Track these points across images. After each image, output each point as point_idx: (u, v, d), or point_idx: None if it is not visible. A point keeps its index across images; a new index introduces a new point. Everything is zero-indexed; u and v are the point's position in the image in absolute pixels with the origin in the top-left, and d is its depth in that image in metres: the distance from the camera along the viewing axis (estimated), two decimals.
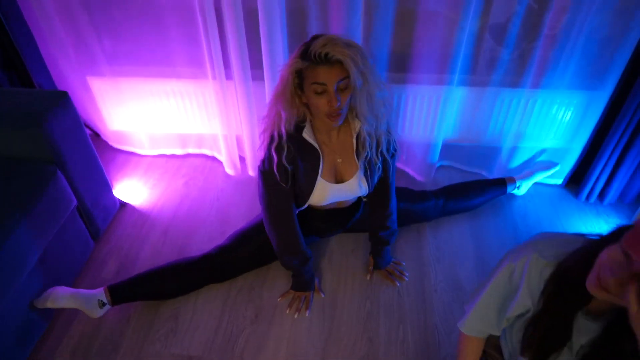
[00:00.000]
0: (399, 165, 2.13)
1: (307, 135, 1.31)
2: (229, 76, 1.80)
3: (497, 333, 1.05)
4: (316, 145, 1.32)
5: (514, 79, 1.77)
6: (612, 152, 1.75)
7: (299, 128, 1.30)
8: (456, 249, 1.77)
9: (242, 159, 2.15)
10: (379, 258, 1.63)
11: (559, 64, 1.67)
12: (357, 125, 1.32)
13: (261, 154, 1.36)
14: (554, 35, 1.62)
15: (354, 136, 1.34)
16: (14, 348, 1.33)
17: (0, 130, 1.44)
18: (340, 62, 1.12)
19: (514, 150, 1.96)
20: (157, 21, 1.77)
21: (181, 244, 1.79)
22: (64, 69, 1.95)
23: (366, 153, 1.34)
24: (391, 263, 1.67)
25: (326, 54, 1.11)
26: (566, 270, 0.85)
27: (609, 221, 1.88)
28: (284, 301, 1.58)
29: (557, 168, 1.93)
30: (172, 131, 2.14)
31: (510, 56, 1.71)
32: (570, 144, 1.92)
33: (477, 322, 1.05)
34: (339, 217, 1.63)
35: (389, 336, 1.49)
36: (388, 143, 1.38)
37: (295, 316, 1.53)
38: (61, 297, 1.40)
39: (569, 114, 1.84)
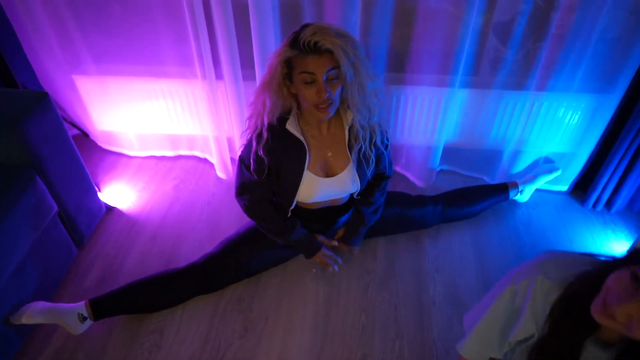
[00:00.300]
0: (398, 169, 2.05)
1: (291, 127, 1.26)
2: (219, 76, 1.73)
3: (498, 357, 0.99)
4: (301, 138, 1.27)
5: (519, 81, 1.69)
6: (621, 158, 1.67)
7: (283, 120, 1.25)
8: (456, 259, 1.69)
9: (233, 162, 2.07)
10: (354, 235, 1.55)
11: (567, 65, 1.59)
12: (349, 117, 1.27)
13: (244, 140, 1.33)
14: (561, 35, 1.53)
15: (347, 128, 1.30)
16: None
17: None
18: (330, 52, 1.09)
19: (517, 154, 1.88)
20: (144, 19, 1.70)
21: (169, 251, 1.72)
22: (49, 67, 1.88)
23: (359, 145, 1.30)
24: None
25: (315, 43, 1.07)
26: (573, 293, 0.78)
27: (617, 231, 1.80)
28: (274, 311, 1.51)
29: (558, 172, 1.86)
30: (162, 132, 2.07)
31: (514, 57, 1.63)
32: (576, 149, 1.84)
33: (477, 346, 1.00)
34: (332, 216, 1.55)
35: (384, 352, 1.41)
36: (382, 134, 1.34)
37: (331, 270, 1.53)
38: (38, 312, 1.33)
39: (576, 117, 1.75)
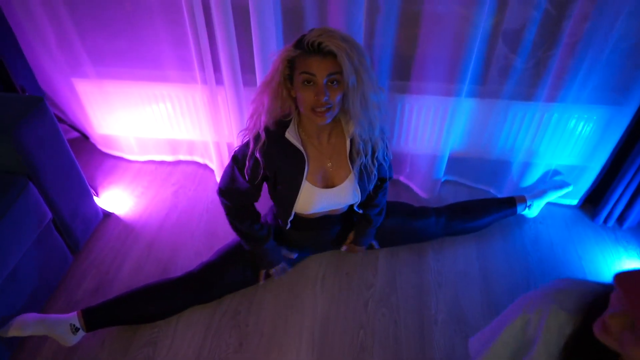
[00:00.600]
0: (401, 179, 2.00)
1: (290, 136, 1.22)
2: (219, 81, 1.69)
3: None
4: (300, 147, 1.23)
5: (528, 91, 1.63)
6: (636, 172, 1.60)
7: (283, 127, 1.22)
8: (460, 274, 1.63)
9: None
10: (362, 236, 1.55)
11: (578, 75, 1.52)
12: (350, 128, 1.23)
13: (241, 139, 1.29)
14: (573, 44, 1.47)
15: (348, 140, 1.26)
16: None
17: None
18: (333, 55, 1.06)
19: (526, 166, 1.81)
20: (144, 23, 1.67)
21: (166, 260, 1.68)
22: (49, 70, 1.85)
23: (361, 159, 1.27)
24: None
25: (320, 44, 1.05)
26: (589, 326, 0.73)
27: (629, 248, 1.73)
28: (270, 326, 1.47)
29: (569, 188, 1.79)
30: (162, 136, 2.03)
31: (524, 65, 1.57)
32: (588, 162, 1.77)
33: None
34: (328, 226, 1.51)
35: None
36: (384, 149, 1.32)
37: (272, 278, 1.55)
38: (28, 323, 1.29)
39: (588, 129, 1.69)
